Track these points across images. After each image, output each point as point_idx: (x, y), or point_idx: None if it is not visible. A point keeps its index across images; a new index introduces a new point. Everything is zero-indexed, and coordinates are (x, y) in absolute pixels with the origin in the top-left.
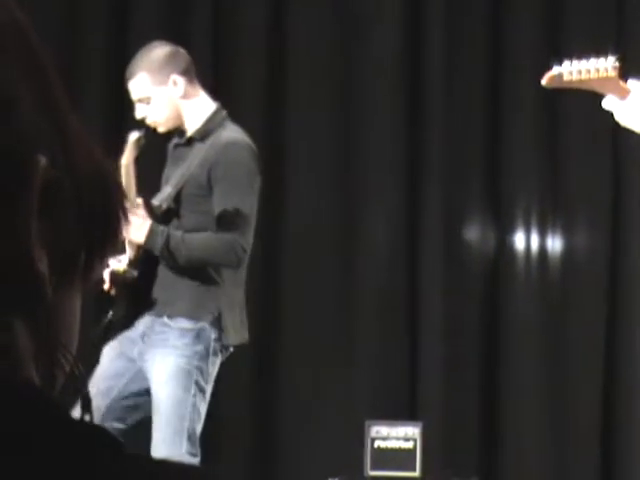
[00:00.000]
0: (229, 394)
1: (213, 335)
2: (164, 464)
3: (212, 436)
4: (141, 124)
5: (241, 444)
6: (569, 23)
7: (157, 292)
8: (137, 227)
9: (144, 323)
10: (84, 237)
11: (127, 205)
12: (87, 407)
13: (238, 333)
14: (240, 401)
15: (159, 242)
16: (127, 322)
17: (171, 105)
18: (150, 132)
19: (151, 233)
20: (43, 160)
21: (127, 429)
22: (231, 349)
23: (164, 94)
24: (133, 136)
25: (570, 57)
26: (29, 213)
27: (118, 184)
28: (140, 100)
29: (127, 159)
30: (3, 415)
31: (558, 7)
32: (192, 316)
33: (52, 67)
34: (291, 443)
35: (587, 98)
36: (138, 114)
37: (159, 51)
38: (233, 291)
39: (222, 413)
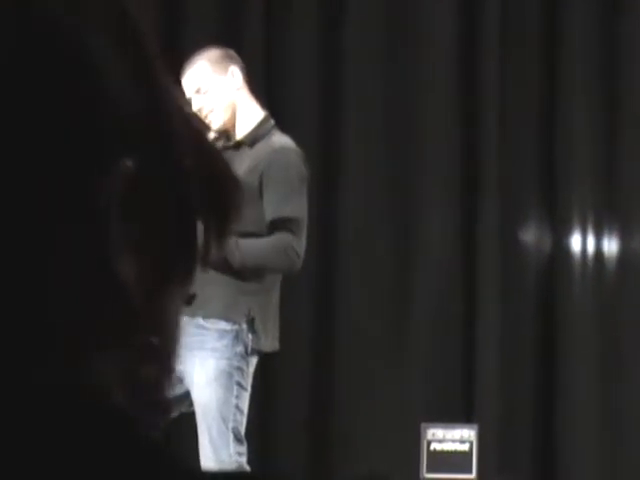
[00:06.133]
0: (285, 396)
1: (250, 336)
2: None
3: (267, 438)
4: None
5: (296, 447)
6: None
7: (190, 293)
8: None
9: None
10: (190, 231)
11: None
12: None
13: (269, 339)
14: (296, 404)
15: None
16: None
17: (228, 96)
18: (221, 135)
19: None
20: (129, 164)
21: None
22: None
23: (223, 83)
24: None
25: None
26: (108, 222)
27: (226, 165)
28: (198, 90)
29: None
30: (92, 442)
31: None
32: (228, 317)
33: (149, 42)
34: (346, 446)
35: None
36: (194, 106)
37: (217, 48)
38: (267, 295)
39: (278, 415)
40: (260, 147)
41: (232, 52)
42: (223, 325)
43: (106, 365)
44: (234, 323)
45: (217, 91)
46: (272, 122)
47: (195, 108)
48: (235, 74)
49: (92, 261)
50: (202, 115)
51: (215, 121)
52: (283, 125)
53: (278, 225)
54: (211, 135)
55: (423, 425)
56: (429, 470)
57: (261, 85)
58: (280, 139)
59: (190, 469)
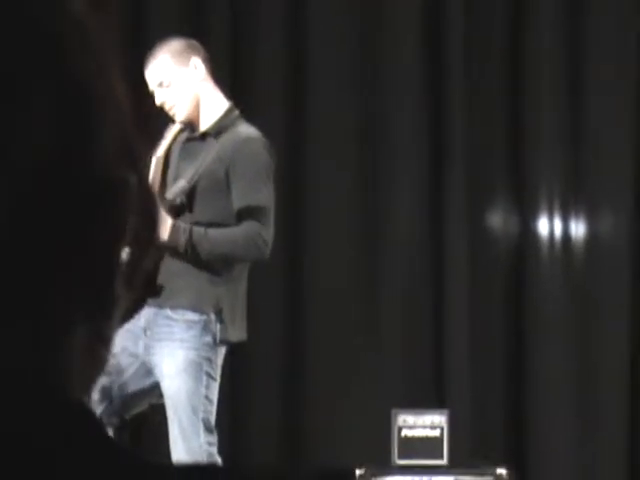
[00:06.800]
0: (256, 384)
1: (218, 326)
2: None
3: (239, 426)
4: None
5: (267, 436)
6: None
7: (159, 283)
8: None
9: (145, 316)
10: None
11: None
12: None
13: (237, 329)
14: (266, 391)
15: (182, 239)
16: (128, 314)
17: (191, 89)
18: (187, 126)
19: (174, 230)
20: (134, 179)
21: (125, 424)
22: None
23: (185, 76)
24: (175, 128)
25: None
26: (120, 235)
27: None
28: (160, 84)
29: (162, 152)
30: (55, 436)
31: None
32: (196, 308)
33: (117, 68)
34: (317, 433)
35: (609, 79)
36: (158, 100)
37: (180, 39)
38: (234, 285)
39: (249, 403)
40: (226, 137)
41: (195, 42)
42: (191, 316)
43: (71, 353)
44: (202, 313)
45: (180, 84)
46: (237, 112)
47: (158, 101)
48: (198, 66)
49: (102, 258)
50: (166, 108)
51: (179, 114)
52: (248, 114)
53: (246, 214)
54: (177, 126)
55: (394, 411)
56: (400, 456)
57: (226, 74)
58: (245, 129)
59: (150, 465)
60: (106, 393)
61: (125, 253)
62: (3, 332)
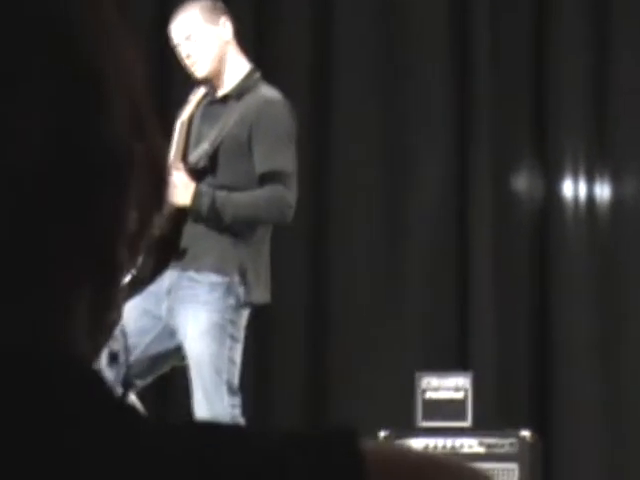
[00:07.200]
0: (280, 346)
1: (241, 288)
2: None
3: (264, 389)
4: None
5: (292, 396)
6: None
7: (182, 246)
8: (182, 189)
9: (169, 278)
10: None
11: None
12: (114, 361)
13: (261, 291)
14: (291, 353)
15: (205, 203)
16: (151, 278)
17: (218, 46)
18: (210, 90)
19: (197, 194)
20: (139, 149)
21: (147, 385)
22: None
23: (214, 32)
24: (200, 92)
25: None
26: (123, 205)
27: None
28: (187, 37)
29: (187, 116)
30: (55, 391)
31: None
32: (219, 270)
33: (131, 46)
34: (342, 395)
35: (638, 41)
36: (183, 52)
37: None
38: (257, 247)
39: (274, 365)
40: (248, 99)
41: (222, 4)
42: (214, 278)
43: (76, 322)
44: (225, 276)
45: (206, 40)
46: (258, 74)
47: (182, 54)
48: (226, 26)
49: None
50: (188, 63)
51: (201, 69)
52: (272, 79)
53: (268, 178)
54: (202, 91)
55: (418, 374)
56: (424, 418)
57: (250, 38)
58: (267, 91)
59: (170, 427)
60: (126, 357)
61: (133, 219)
62: (7, 307)
